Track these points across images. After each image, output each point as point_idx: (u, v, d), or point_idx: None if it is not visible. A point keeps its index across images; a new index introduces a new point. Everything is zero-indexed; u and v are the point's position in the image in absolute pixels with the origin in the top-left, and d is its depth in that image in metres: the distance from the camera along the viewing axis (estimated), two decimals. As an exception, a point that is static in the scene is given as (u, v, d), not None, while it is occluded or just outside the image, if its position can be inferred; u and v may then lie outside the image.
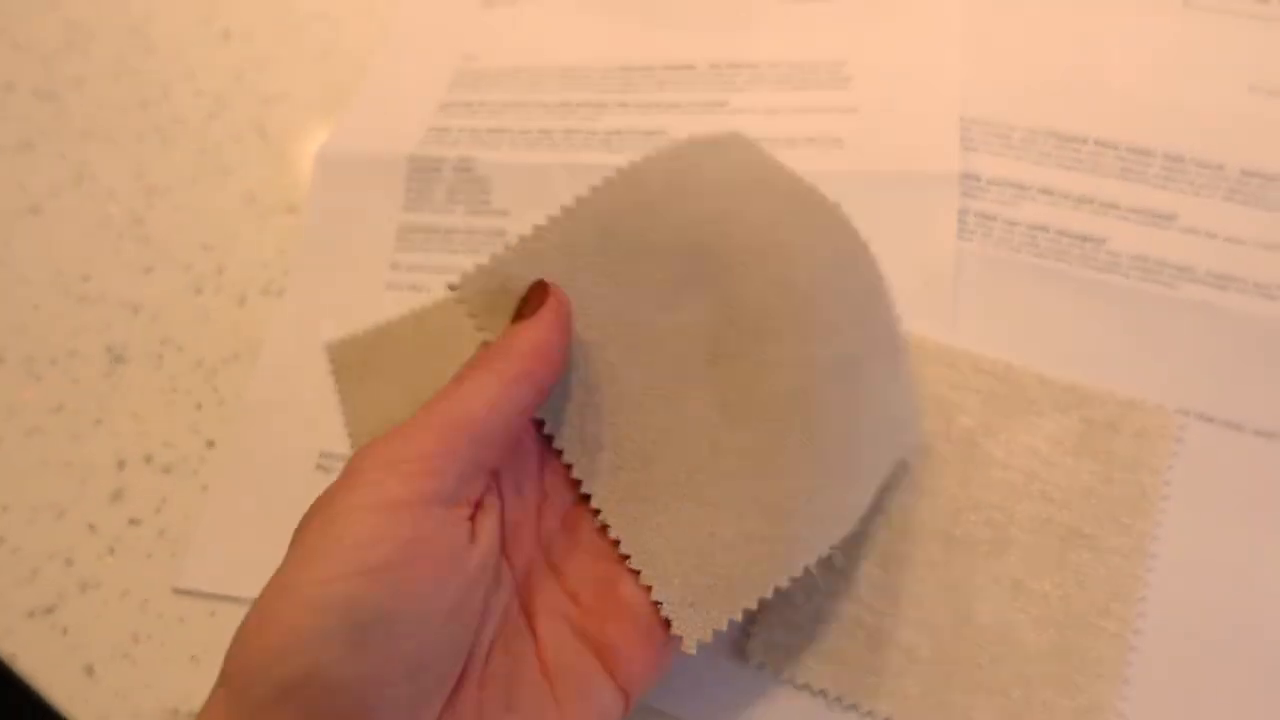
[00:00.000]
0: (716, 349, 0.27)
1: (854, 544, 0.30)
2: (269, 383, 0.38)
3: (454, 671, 0.23)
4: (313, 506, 0.23)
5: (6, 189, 0.45)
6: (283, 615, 0.21)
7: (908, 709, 0.28)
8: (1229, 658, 0.29)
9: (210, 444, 0.37)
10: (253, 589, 0.33)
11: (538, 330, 0.25)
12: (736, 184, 0.30)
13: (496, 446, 0.24)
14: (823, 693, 0.29)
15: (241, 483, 0.36)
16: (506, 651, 0.24)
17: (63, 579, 0.35)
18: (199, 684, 0.32)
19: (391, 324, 0.38)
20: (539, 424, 0.27)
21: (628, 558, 0.25)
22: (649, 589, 0.25)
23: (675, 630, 0.24)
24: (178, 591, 0.34)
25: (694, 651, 0.24)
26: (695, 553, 0.25)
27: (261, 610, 0.21)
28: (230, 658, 0.22)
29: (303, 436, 0.36)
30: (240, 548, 0.34)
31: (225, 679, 0.22)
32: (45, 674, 0.33)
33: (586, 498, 0.26)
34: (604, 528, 0.26)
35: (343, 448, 0.36)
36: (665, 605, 0.25)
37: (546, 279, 0.26)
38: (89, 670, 0.33)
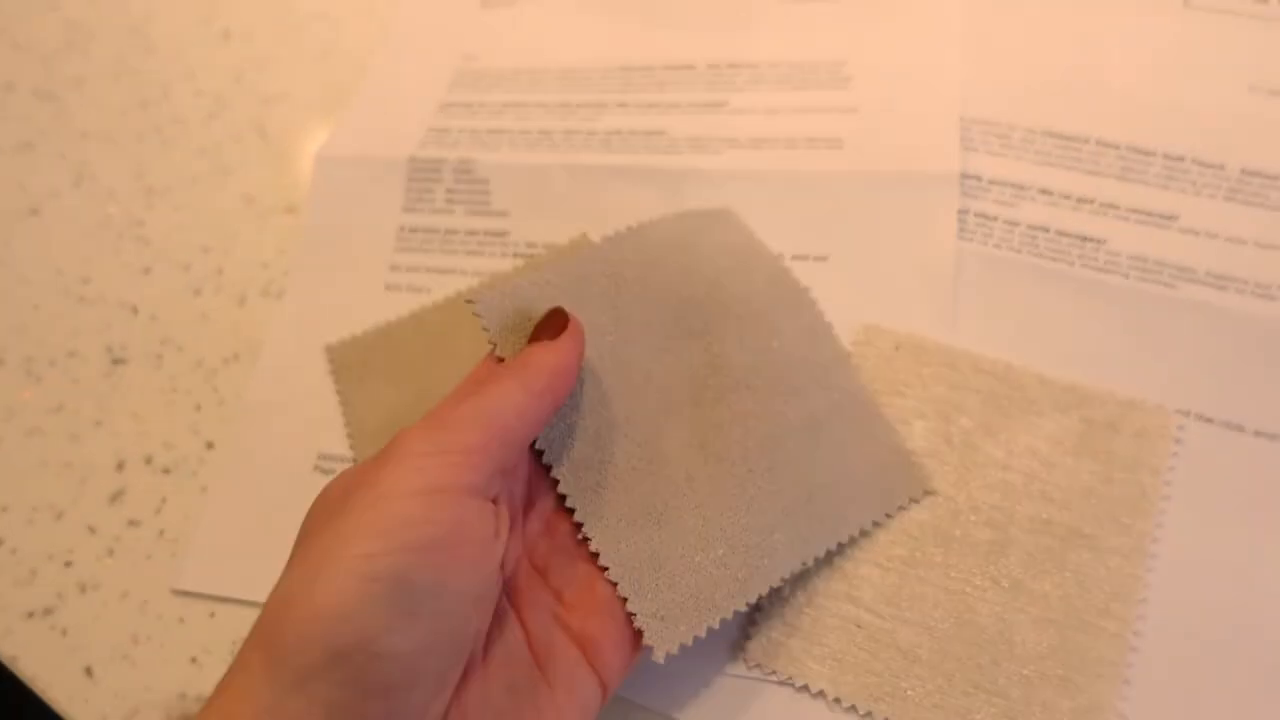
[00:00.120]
0: (699, 394, 0.31)
1: (853, 545, 0.31)
2: (268, 383, 0.38)
3: (471, 651, 0.24)
4: (350, 484, 0.24)
5: (6, 189, 0.45)
6: (333, 584, 0.21)
7: (907, 710, 0.28)
8: (1229, 658, 0.28)
9: (210, 445, 0.37)
10: (252, 590, 0.34)
11: (559, 354, 0.27)
12: (727, 256, 0.34)
13: (515, 452, 0.26)
14: (821, 694, 0.29)
15: (241, 484, 0.36)
16: (502, 640, 0.26)
17: (62, 580, 0.35)
18: (199, 685, 0.32)
19: (391, 325, 0.38)
20: None
21: (606, 569, 0.27)
22: (626, 600, 0.27)
23: (647, 641, 0.26)
24: (177, 593, 0.34)
25: (663, 661, 0.26)
26: (667, 572, 0.27)
27: (307, 579, 0.22)
28: (269, 624, 0.22)
29: (302, 438, 0.36)
30: (240, 549, 0.34)
31: (263, 645, 0.22)
32: (45, 675, 0.33)
33: (570, 510, 0.28)
34: (586, 540, 0.28)
35: (342, 449, 0.36)
36: (638, 617, 0.27)
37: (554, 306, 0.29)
38: (88, 671, 0.33)
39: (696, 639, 0.27)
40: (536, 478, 0.29)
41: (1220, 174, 0.36)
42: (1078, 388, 0.33)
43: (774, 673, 0.29)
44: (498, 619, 0.26)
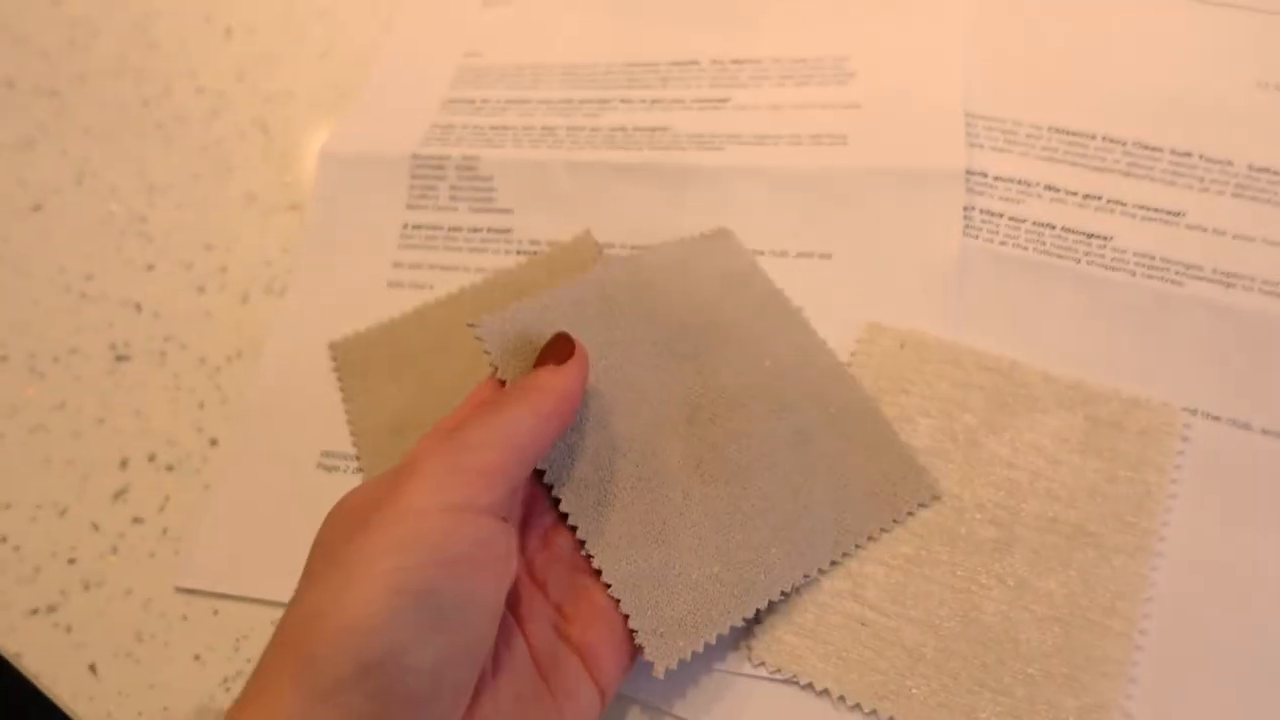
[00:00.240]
0: (694, 413, 0.31)
1: (858, 544, 0.31)
2: (272, 381, 0.38)
3: (484, 663, 0.25)
4: (370, 497, 0.24)
5: (8, 186, 0.45)
6: (362, 596, 0.22)
7: (912, 708, 0.28)
8: (1235, 656, 0.28)
9: (213, 442, 0.37)
10: (256, 587, 0.34)
11: (566, 379, 0.28)
12: (720, 282, 0.35)
13: (526, 472, 0.27)
14: (826, 692, 0.29)
15: (244, 481, 0.36)
16: (508, 651, 0.26)
17: (66, 577, 0.35)
18: (202, 682, 0.32)
19: (394, 322, 0.38)
20: None
21: (609, 586, 0.28)
22: (627, 616, 0.28)
23: (647, 657, 0.27)
24: (180, 590, 0.34)
25: (663, 677, 0.27)
26: (666, 589, 0.28)
27: (336, 592, 0.22)
28: (297, 636, 0.22)
29: (305, 435, 0.36)
30: (243, 546, 0.34)
31: (292, 656, 0.22)
32: (49, 672, 0.33)
33: (573, 528, 0.29)
34: (588, 557, 0.29)
35: (345, 446, 0.36)
36: (639, 634, 0.27)
37: (558, 331, 0.30)
38: (92, 669, 0.33)
39: (695, 654, 0.28)
40: (532, 494, 0.30)
41: (1228, 170, 0.36)
42: (1083, 385, 0.32)
43: (778, 671, 0.29)
44: (503, 631, 0.26)
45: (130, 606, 0.34)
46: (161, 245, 0.43)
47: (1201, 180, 0.36)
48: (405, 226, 0.41)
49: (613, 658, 0.27)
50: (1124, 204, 0.36)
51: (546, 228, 0.40)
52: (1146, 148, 0.37)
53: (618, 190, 0.40)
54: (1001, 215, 0.36)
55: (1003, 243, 0.36)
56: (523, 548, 0.29)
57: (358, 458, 0.35)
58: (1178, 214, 0.35)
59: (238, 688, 0.32)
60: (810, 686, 0.29)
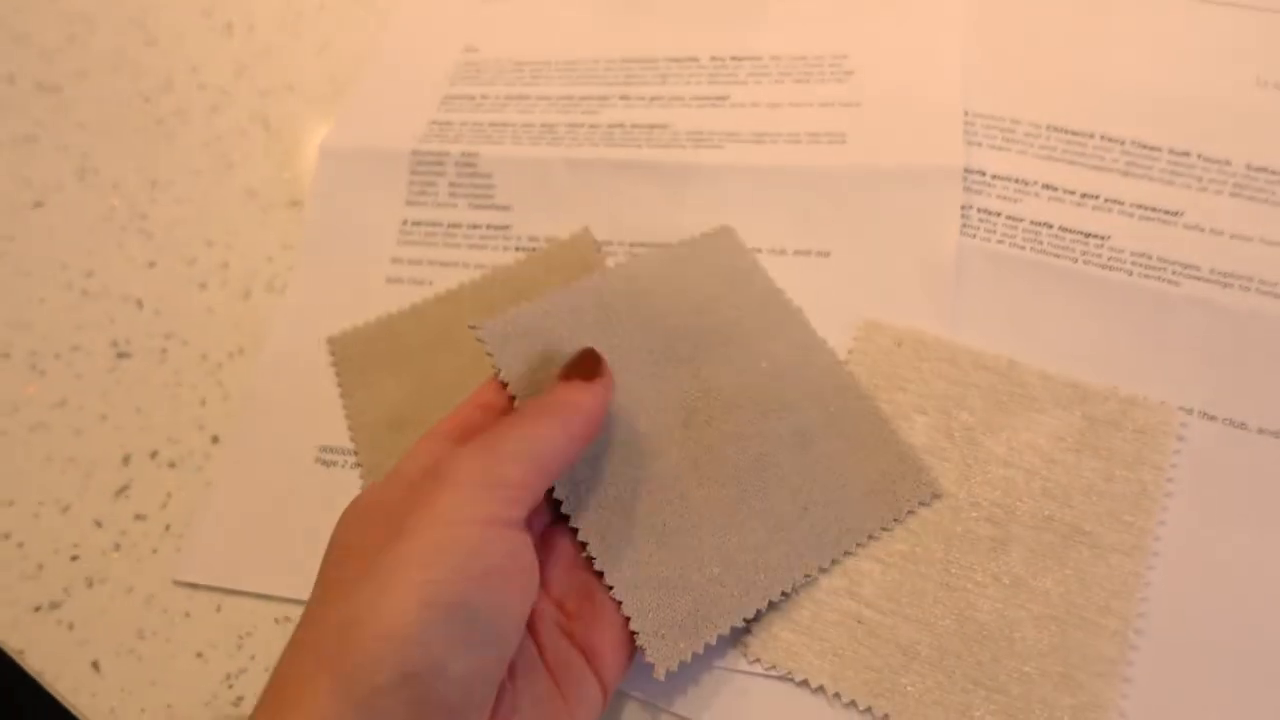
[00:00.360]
0: (691, 415, 0.32)
1: (859, 543, 0.31)
2: (271, 377, 0.38)
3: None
4: (396, 500, 0.25)
5: (9, 182, 0.45)
6: (399, 605, 0.22)
7: (907, 706, 0.28)
8: (1230, 656, 0.29)
9: (215, 439, 0.37)
10: (257, 582, 0.34)
11: (596, 398, 0.28)
12: (717, 282, 0.35)
13: (548, 486, 0.27)
14: (821, 689, 0.29)
15: (245, 477, 0.36)
16: (523, 655, 0.27)
17: (69, 574, 0.35)
18: (205, 679, 0.32)
19: (393, 317, 0.38)
20: None
21: (611, 588, 0.28)
22: (628, 619, 0.28)
23: (648, 658, 0.28)
24: (183, 587, 0.34)
25: (664, 678, 0.27)
26: (667, 591, 0.29)
27: (372, 601, 0.22)
28: (333, 643, 0.22)
29: (304, 430, 0.36)
30: (244, 541, 0.35)
31: (328, 664, 0.22)
32: (52, 669, 0.33)
33: (574, 530, 0.29)
34: (589, 559, 0.29)
35: (343, 441, 0.36)
36: (640, 635, 0.28)
37: (555, 338, 0.31)
38: (95, 665, 0.33)
39: (695, 655, 0.28)
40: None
41: (1226, 169, 0.36)
42: (1080, 384, 0.32)
43: (774, 667, 0.29)
44: None
45: (133, 603, 0.34)
46: (162, 242, 0.43)
47: (1200, 180, 0.36)
48: (404, 223, 0.41)
49: (615, 657, 0.28)
50: (1122, 203, 0.36)
51: (545, 224, 0.40)
52: (1145, 147, 0.37)
53: (616, 187, 0.40)
54: (999, 214, 0.36)
55: (1000, 241, 0.36)
56: None
57: (356, 453, 0.36)
58: (1175, 213, 0.35)
59: (240, 684, 0.32)
60: (806, 683, 0.29)
